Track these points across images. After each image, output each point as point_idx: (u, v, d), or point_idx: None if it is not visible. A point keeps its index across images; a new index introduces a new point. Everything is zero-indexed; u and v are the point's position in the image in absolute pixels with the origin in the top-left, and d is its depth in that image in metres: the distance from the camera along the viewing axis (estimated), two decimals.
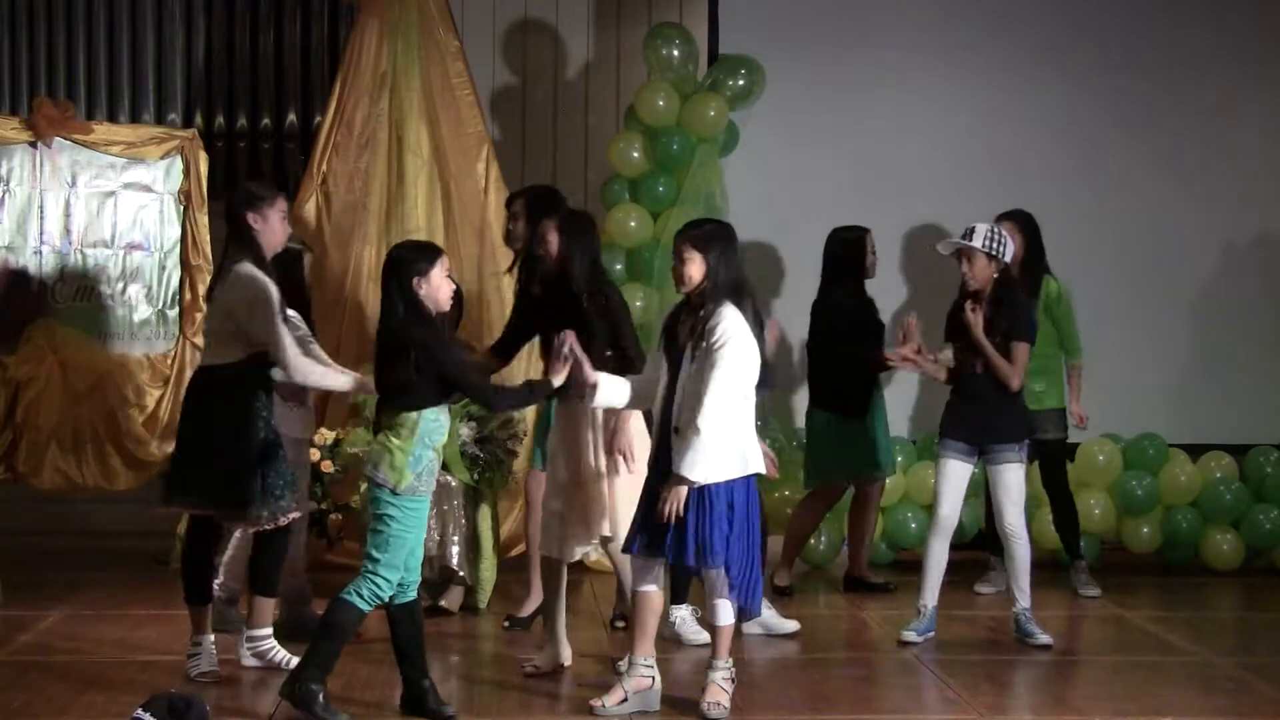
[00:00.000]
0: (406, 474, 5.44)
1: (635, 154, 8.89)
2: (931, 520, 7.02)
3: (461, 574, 7.39)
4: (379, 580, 5.47)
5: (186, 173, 8.49)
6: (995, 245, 6.81)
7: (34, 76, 9.65)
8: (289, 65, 9.82)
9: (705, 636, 6.29)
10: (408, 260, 5.55)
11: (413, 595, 5.60)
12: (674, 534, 5.55)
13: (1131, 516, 8.83)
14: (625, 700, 5.70)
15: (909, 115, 9.32)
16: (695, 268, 5.62)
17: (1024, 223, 7.98)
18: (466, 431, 7.40)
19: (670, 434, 5.59)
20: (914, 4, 9.41)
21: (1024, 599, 6.90)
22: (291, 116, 9.80)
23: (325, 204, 8.42)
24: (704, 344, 5.54)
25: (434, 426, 5.50)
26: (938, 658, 6.64)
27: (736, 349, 5.52)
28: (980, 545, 8.52)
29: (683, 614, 6.80)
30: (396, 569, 5.48)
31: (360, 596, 5.48)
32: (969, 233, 6.85)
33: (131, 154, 8.50)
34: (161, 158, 8.50)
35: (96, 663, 6.34)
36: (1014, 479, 6.88)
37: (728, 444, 5.53)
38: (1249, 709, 5.90)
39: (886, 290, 9.18)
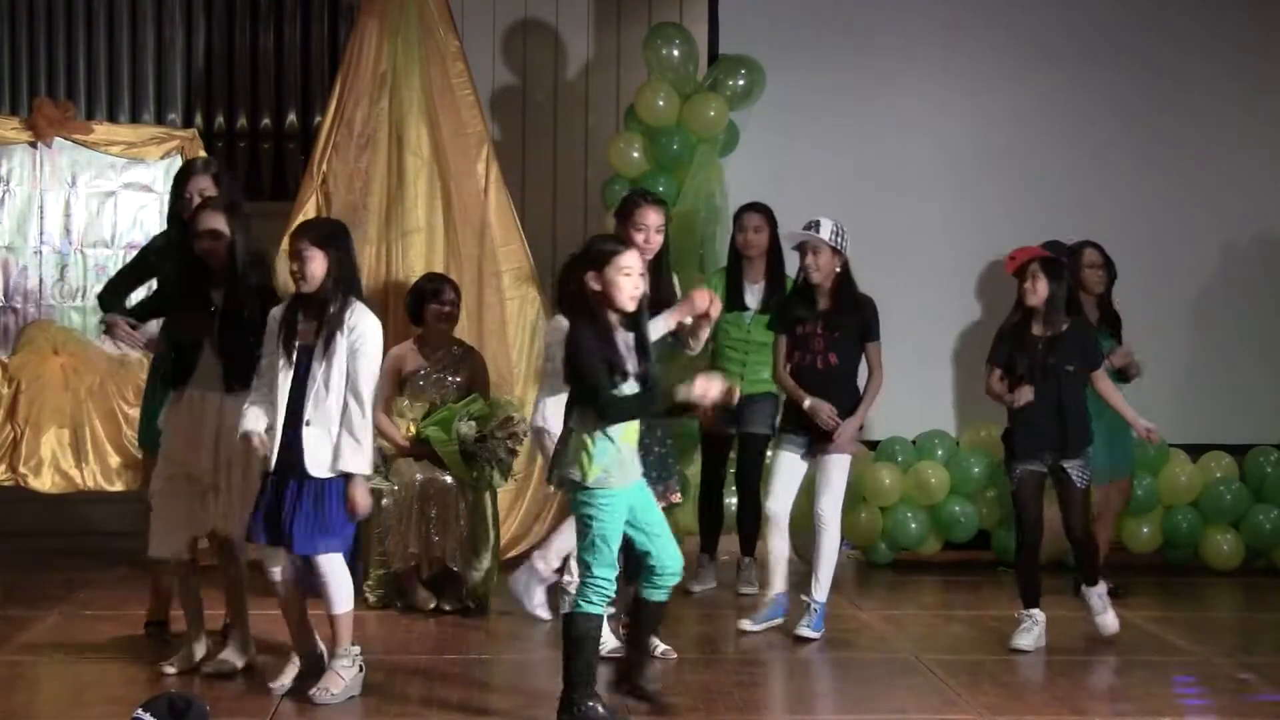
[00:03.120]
0: (594, 466, 5.43)
1: (635, 154, 8.89)
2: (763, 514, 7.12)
3: (461, 574, 7.40)
4: (598, 581, 5.44)
5: None
6: (840, 240, 6.97)
7: (34, 76, 9.66)
8: (289, 65, 9.83)
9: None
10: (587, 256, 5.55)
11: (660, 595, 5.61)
12: (300, 523, 5.66)
13: (1131, 516, 8.83)
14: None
15: (909, 115, 9.32)
16: (318, 265, 5.73)
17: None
18: (466, 431, 7.40)
19: (301, 428, 5.67)
20: (914, 4, 9.40)
21: (820, 591, 6.95)
22: (291, 116, 9.81)
23: (325, 204, 8.42)
24: (339, 341, 5.68)
25: None
26: (938, 658, 6.64)
27: (376, 347, 5.77)
28: (983, 545, 8.56)
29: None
30: (611, 565, 5.46)
31: (590, 602, 5.44)
32: (814, 225, 6.98)
33: (131, 154, 8.51)
34: (161, 158, 8.51)
35: (96, 663, 6.34)
36: (837, 470, 6.97)
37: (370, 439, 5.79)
38: (1249, 709, 5.90)
39: (887, 290, 9.17)
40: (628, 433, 5.48)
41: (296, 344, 5.74)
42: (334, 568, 5.80)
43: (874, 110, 9.34)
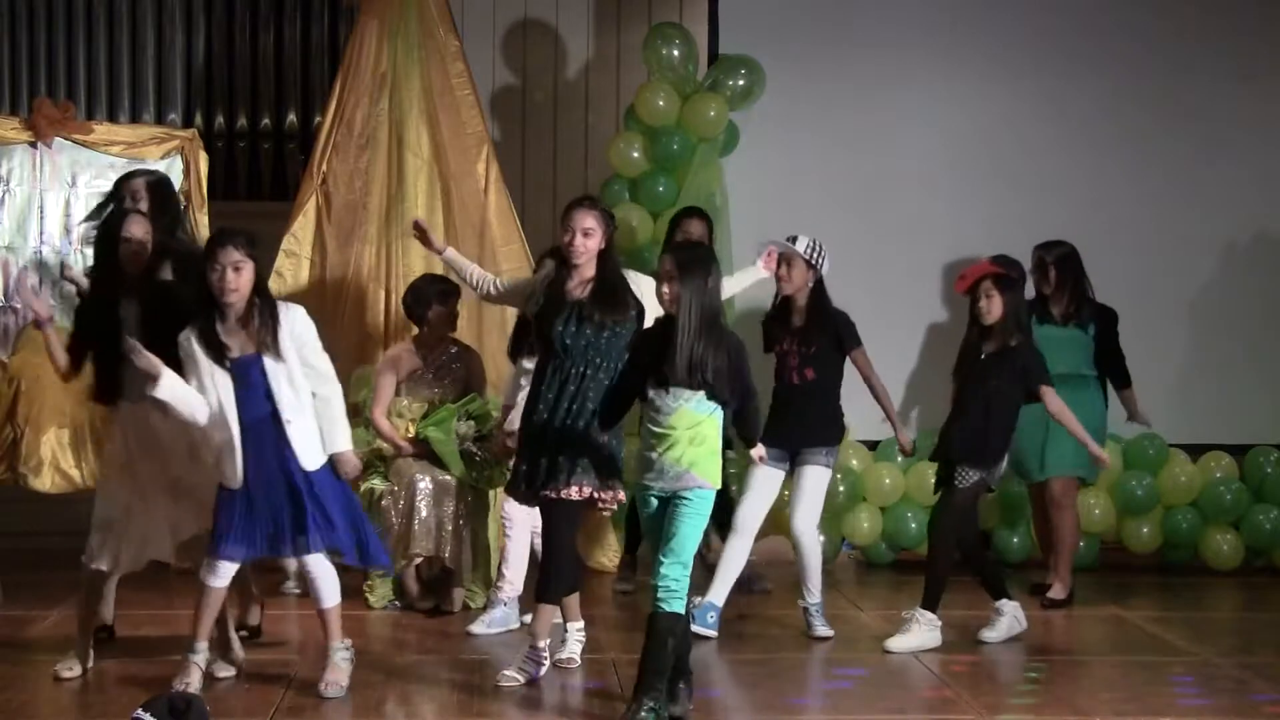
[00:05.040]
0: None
1: (635, 154, 8.89)
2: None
3: (461, 574, 7.41)
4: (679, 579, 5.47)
5: (186, 173, 8.48)
6: (815, 255, 7.03)
7: (34, 76, 9.65)
8: (289, 65, 9.82)
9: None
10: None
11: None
12: (312, 524, 5.74)
13: (1131, 516, 8.84)
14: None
15: (908, 115, 9.32)
16: (248, 275, 5.69)
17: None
18: (465, 430, 7.40)
19: (279, 432, 5.71)
20: (913, 5, 9.41)
21: (814, 595, 7.06)
22: (291, 116, 9.81)
23: (325, 204, 8.42)
24: (284, 339, 5.72)
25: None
26: (938, 658, 6.64)
27: (312, 326, 5.89)
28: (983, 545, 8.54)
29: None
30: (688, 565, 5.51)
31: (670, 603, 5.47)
32: (792, 239, 7.04)
33: (131, 154, 8.49)
34: (161, 158, 8.49)
35: (97, 663, 6.33)
36: (812, 482, 7.01)
37: None
38: (1249, 709, 5.90)
39: (886, 289, 9.20)
40: None
41: (231, 357, 5.71)
42: (324, 562, 5.86)
43: (873, 110, 9.34)
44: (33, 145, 8.41)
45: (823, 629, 7.04)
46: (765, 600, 7.87)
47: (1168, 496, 8.86)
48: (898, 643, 6.73)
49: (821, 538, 7.68)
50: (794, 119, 9.24)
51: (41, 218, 8.45)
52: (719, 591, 6.96)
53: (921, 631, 6.75)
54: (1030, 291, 7.88)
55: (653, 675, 5.39)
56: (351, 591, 7.15)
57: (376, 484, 7.50)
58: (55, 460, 8.29)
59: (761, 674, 6.41)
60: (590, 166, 9.58)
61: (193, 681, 5.77)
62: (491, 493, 7.56)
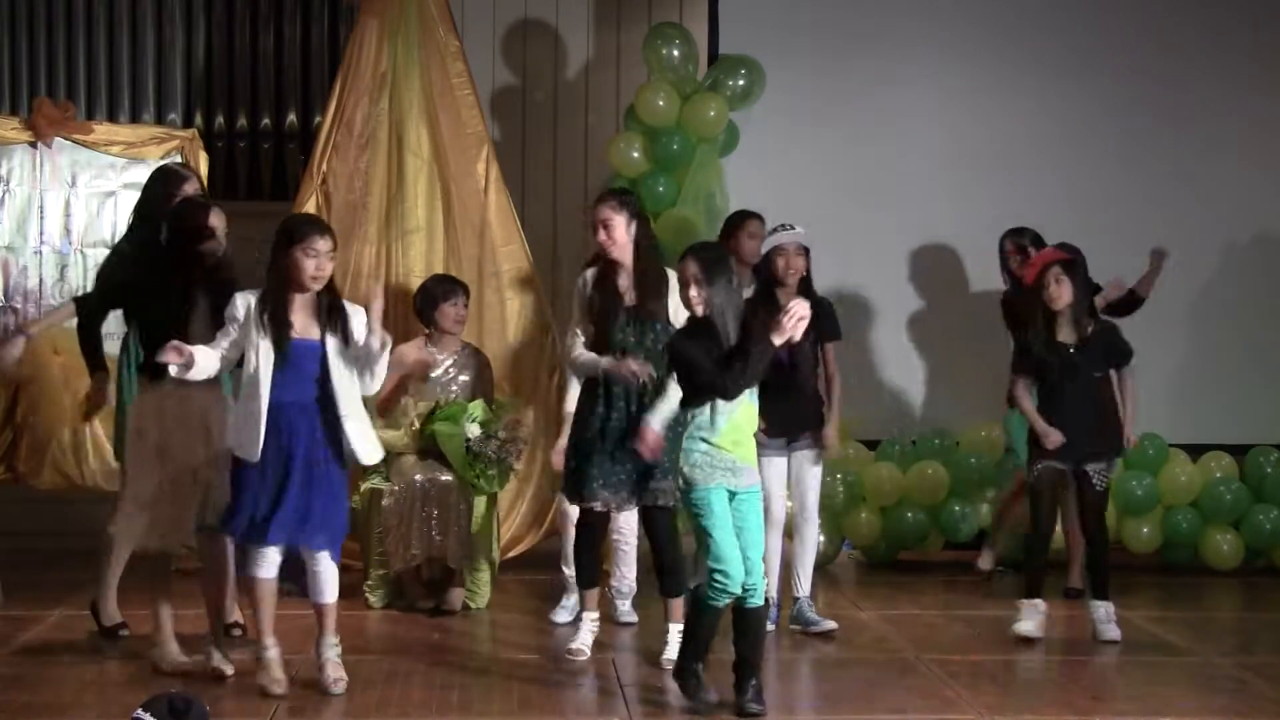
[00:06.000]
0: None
1: (635, 154, 8.89)
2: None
3: (462, 574, 7.41)
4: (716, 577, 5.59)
5: None
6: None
7: (34, 76, 9.66)
8: (289, 65, 9.83)
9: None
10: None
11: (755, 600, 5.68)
12: (328, 517, 5.81)
13: (1131, 516, 8.84)
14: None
15: (909, 115, 9.32)
16: (331, 267, 5.85)
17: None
18: (474, 432, 7.39)
19: (318, 414, 5.77)
20: (913, 5, 9.41)
21: (806, 587, 7.12)
22: (291, 116, 9.81)
23: (325, 204, 8.42)
24: (354, 333, 5.81)
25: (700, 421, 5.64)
26: (938, 658, 6.65)
27: None
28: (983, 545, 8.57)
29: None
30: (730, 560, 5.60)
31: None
32: (789, 226, 7.06)
33: (131, 154, 8.51)
34: (161, 158, 8.51)
35: (96, 663, 6.34)
36: (814, 465, 7.09)
37: None
38: (1249, 709, 5.90)
39: (888, 289, 9.21)
40: None
41: (289, 338, 5.77)
42: (330, 558, 5.90)
43: (873, 110, 9.34)
44: (33, 145, 8.43)
45: (827, 622, 7.05)
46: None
47: (1168, 496, 8.86)
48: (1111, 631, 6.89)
49: (821, 538, 7.72)
50: (794, 119, 9.24)
51: (41, 218, 8.47)
52: (773, 584, 7.03)
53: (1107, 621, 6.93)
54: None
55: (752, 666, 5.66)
56: (352, 591, 7.17)
57: (377, 484, 7.50)
58: (55, 460, 8.31)
59: (761, 674, 6.41)
60: (590, 166, 9.58)
61: (277, 678, 5.83)
62: (492, 494, 7.57)
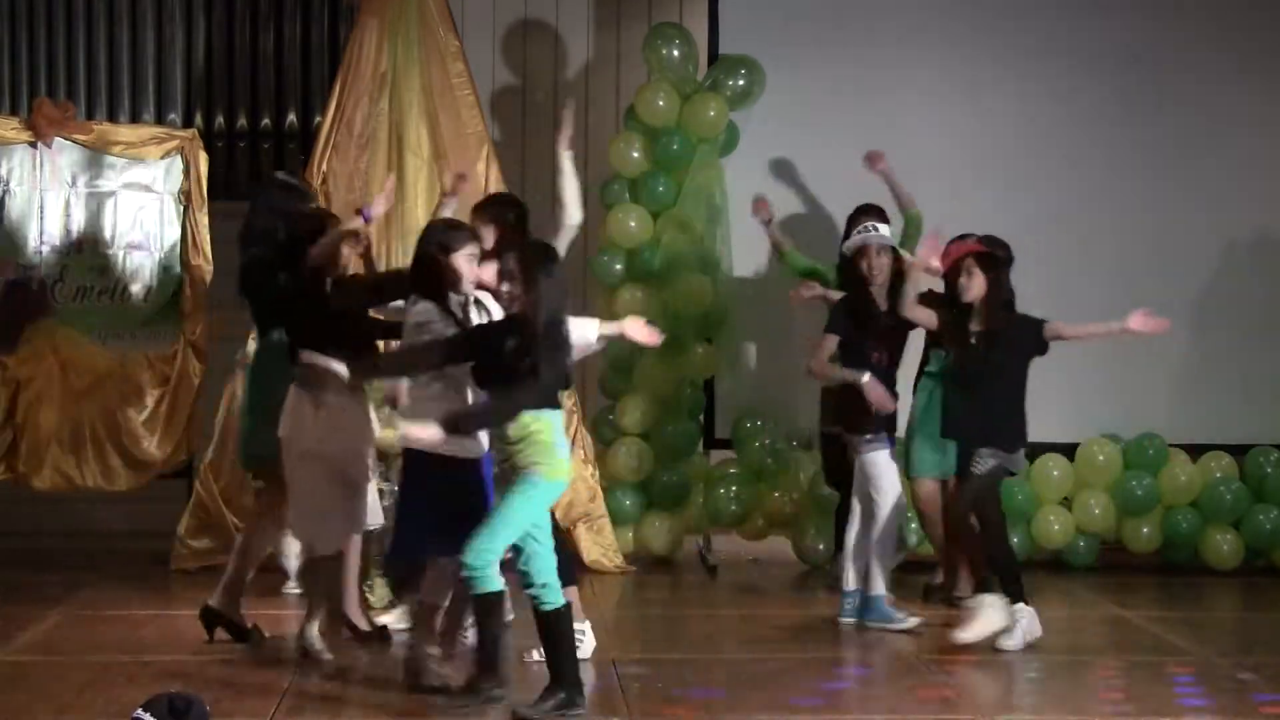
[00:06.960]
0: None
1: (635, 154, 8.89)
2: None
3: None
4: None
5: (186, 173, 8.49)
6: None
7: (34, 76, 9.66)
8: (289, 65, 9.83)
9: None
10: None
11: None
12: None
13: (1131, 516, 8.83)
14: None
15: (909, 115, 9.31)
16: None
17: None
18: None
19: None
20: (913, 5, 9.40)
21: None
22: (291, 116, 9.81)
23: (325, 204, 8.41)
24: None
25: None
26: (938, 658, 6.64)
27: None
28: None
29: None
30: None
31: None
32: (874, 227, 7.22)
33: (131, 154, 8.50)
34: (161, 158, 8.50)
35: (96, 663, 6.34)
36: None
37: None
38: (1249, 709, 5.89)
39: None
40: None
41: None
42: None
43: (873, 110, 9.32)
44: (33, 145, 8.43)
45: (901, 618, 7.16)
46: (766, 600, 7.87)
47: (1168, 496, 8.85)
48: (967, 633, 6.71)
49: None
50: (794, 119, 9.24)
51: (41, 218, 8.46)
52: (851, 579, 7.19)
53: (989, 616, 6.70)
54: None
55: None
56: None
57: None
58: (55, 460, 8.30)
59: (761, 674, 6.41)
60: (590, 166, 9.55)
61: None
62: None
